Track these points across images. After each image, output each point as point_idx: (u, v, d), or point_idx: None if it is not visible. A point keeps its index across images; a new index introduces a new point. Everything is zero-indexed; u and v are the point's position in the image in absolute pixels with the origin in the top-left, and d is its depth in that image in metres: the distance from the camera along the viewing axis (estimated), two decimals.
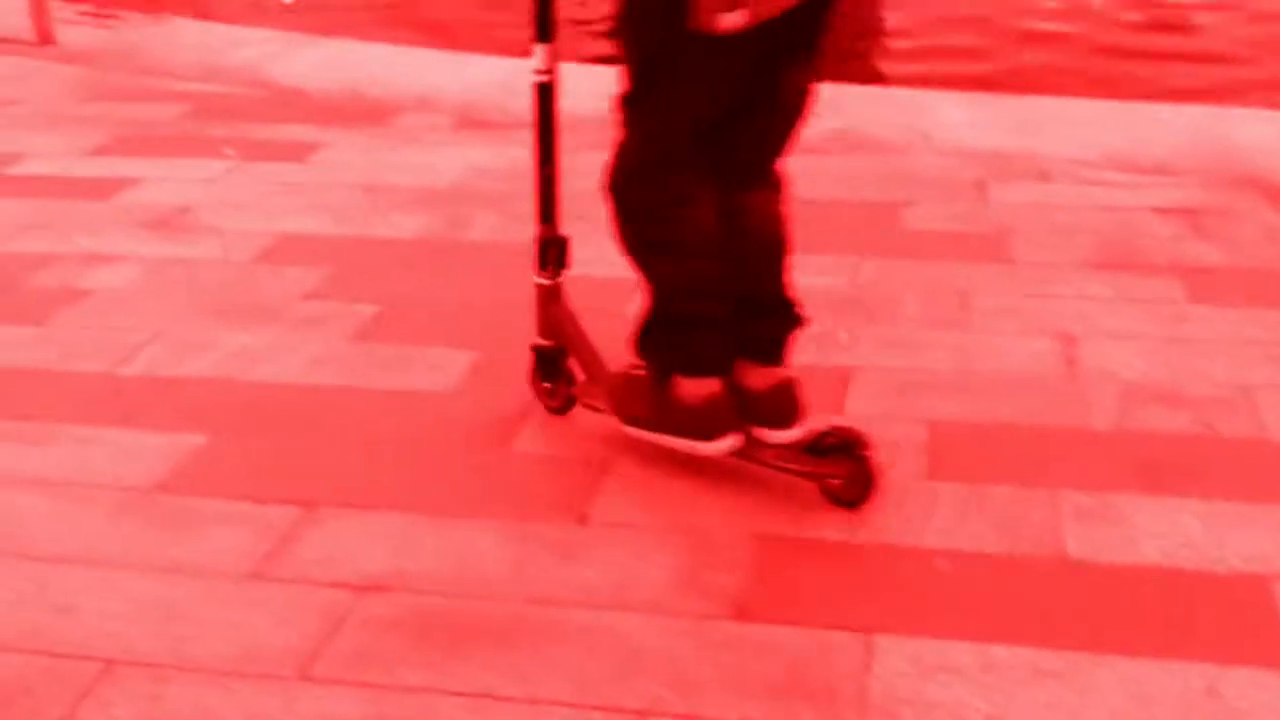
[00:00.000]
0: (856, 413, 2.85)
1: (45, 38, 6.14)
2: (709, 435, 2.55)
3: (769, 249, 2.54)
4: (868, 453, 2.50)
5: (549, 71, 2.66)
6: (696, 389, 2.53)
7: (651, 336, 2.57)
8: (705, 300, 2.49)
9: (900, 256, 3.68)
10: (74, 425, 2.90)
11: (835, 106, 4.95)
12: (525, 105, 5.28)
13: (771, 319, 2.57)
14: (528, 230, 3.90)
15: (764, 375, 2.56)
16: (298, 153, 4.65)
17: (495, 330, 3.27)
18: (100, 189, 4.34)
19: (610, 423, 2.73)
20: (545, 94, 2.67)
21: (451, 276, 3.64)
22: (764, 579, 2.33)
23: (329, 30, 6.85)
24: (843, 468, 2.51)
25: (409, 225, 3.99)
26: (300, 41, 6.17)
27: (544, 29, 2.64)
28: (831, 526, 2.48)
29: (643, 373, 2.63)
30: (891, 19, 7.51)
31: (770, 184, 2.54)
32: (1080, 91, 5.62)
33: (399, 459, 2.74)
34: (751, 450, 2.57)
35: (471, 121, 4.98)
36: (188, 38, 6.30)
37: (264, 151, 4.67)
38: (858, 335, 3.22)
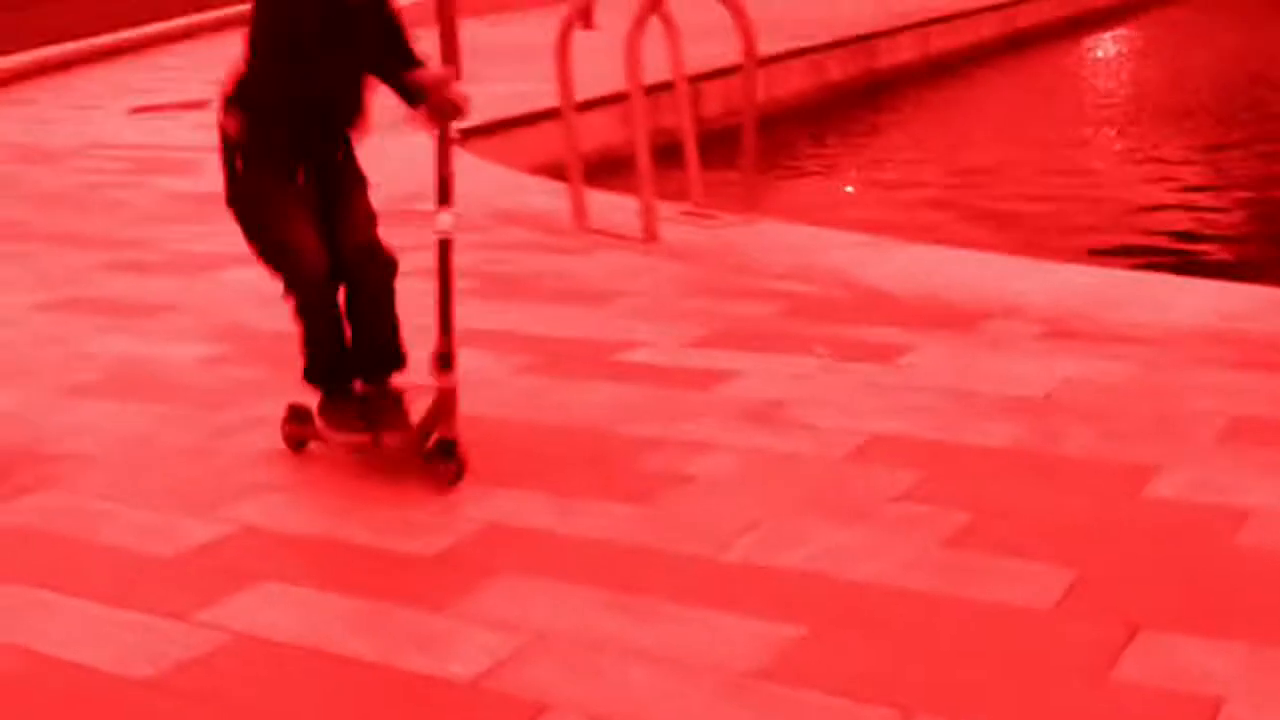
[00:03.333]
0: None
1: (651, 235, 6.64)
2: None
3: None
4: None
5: (449, 231, 3.77)
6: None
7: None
8: None
9: None
10: (676, 604, 3.05)
11: None
12: (1117, 318, 5.14)
13: None
14: (1127, 448, 3.81)
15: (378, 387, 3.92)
16: (886, 354, 4.76)
17: (1095, 550, 3.18)
18: (702, 379, 4.60)
19: (1215, 654, 2.59)
20: (444, 248, 3.76)
21: (1047, 490, 3.57)
22: None
23: (911, 232, 7.03)
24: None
25: (1000, 434, 3.97)
26: (887, 245, 6.36)
27: (445, 195, 3.78)
28: None
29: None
30: None
31: None
32: None
33: (996, 673, 2.69)
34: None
35: (1060, 331, 4.92)
36: (779, 239, 6.63)
37: (853, 351, 4.81)
38: None
